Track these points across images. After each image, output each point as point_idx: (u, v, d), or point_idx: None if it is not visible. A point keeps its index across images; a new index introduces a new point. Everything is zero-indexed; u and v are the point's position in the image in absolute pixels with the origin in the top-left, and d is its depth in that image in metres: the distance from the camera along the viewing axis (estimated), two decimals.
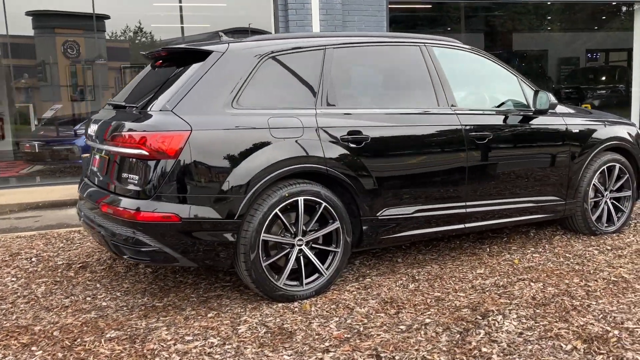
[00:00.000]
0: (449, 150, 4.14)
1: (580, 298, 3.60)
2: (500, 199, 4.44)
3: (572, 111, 4.93)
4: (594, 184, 4.98)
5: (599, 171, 4.98)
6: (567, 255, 4.54)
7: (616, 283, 3.88)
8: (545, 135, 4.66)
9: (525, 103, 4.67)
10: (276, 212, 3.48)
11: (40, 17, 11.24)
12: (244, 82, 3.52)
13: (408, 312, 3.44)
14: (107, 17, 10.88)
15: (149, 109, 3.41)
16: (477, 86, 4.78)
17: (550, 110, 4.72)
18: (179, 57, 3.84)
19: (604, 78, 17.77)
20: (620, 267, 4.23)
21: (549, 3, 15.39)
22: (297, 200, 3.55)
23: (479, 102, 4.68)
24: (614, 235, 5.09)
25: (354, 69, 4.01)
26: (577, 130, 4.81)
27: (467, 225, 4.31)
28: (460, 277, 4.04)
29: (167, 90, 3.45)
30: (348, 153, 3.71)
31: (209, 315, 3.46)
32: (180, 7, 10.33)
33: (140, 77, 4.12)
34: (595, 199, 5.08)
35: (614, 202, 5.19)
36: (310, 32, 4.02)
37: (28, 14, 10.57)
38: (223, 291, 3.89)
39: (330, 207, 3.65)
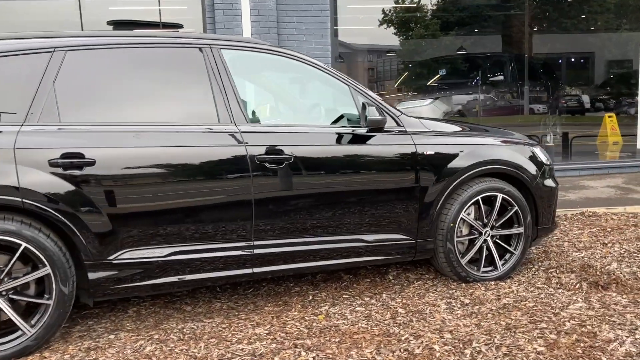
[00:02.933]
0: (225, 178, 3.32)
1: None
2: (309, 237, 3.56)
3: (430, 129, 3.94)
4: (463, 219, 3.98)
5: (471, 203, 3.98)
6: (400, 310, 3.59)
7: (412, 358, 2.94)
8: (380, 159, 3.73)
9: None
10: None
11: (121, 27, 10.83)
12: None
13: None
14: (180, 26, 10.36)
15: None
16: (292, 98, 3.91)
17: (400, 128, 3.81)
18: None
19: None
20: (451, 331, 3.27)
21: None
22: None
23: (292, 118, 3.83)
24: (494, 283, 4.07)
25: (97, 76, 3.26)
26: (432, 153, 3.84)
27: (258, 269, 3.46)
28: (224, 338, 3.21)
29: None
30: (60, 180, 2.98)
31: None
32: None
33: None
34: (470, 237, 4.08)
35: (499, 241, 4.16)
36: (42, 32, 3.27)
37: (109, 23, 10.09)
38: None
39: (35, 249, 2.93)
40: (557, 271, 4.31)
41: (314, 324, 3.39)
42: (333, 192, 3.60)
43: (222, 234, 3.34)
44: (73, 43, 3.20)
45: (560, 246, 5.06)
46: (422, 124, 3.93)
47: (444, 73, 10.99)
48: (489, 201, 4.07)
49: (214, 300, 3.81)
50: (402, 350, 3.04)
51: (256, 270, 3.45)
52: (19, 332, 2.98)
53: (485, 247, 4.11)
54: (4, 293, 2.95)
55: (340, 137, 3.64)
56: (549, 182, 4.30)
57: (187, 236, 3.26)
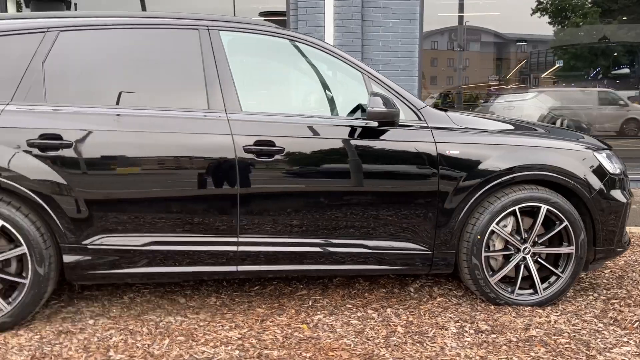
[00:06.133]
0: (211, 168, 3.12)
1: None
2: (300, 238, 3.25)
3: (459, 125, 3.42)
4: (495, 232, 3.43)
5: (506, 213, 3.41)
6: (399, 329, 3.18)
7: None
8: (391, 156, 3.30)
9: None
10: None
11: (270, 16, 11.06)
12: None
13: None
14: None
15: None
16: (300, 86, 3.59)
17: (421, 123, 3.37)
18: None
19: None
20: None
21: None
22: None
23: (296, 107, 3.51)
24: (530, 309, 3.47)
25: (87, 57, 3.19)
26: (457, 152, 3.34)
27: (242, 268, 3.23)
28: (194, 337, 3.04)
29: None
30: (37, 162, 2.98)
31: None
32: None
33: None
34: (506, 253, 3.52)
35: (542, 261, 3.54)
36: (38, 12, 3.27)
37: (261, 14, 10.44)
38: None
39: (12, 228, 2.96)
40: (622, 303, 3.59)
41: (295, 334, 3.09)
42: (330, 191, 3.25)
43: (206, 228, 3.15)
44: (67, 23, 3.17)
45: None
46: (449, 119, 3.43)
47: (561, 64, 9.83)
48: (533, 213, 3.46)
49: (212, 295, 3.65)
50: None
51: (240, 268, 3.23)
52: None
53: (523, 266, 3.50)
54: None
55: (348, 129, 3.28)
56: (615, 195, 3.55)
57: (167, 227, 3.12)
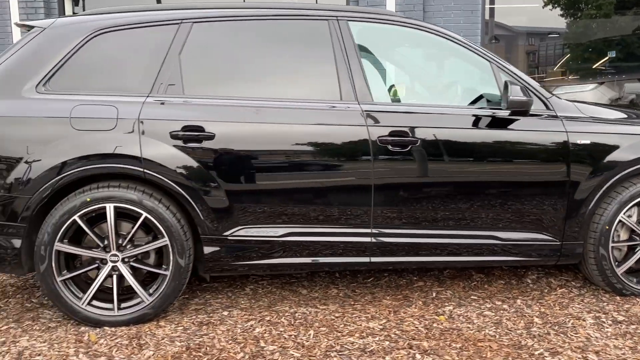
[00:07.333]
0: (345, 159, 3.11)
1: None
2: (434, 229, 3.23)
3: (586, 114, 3.38)
4: (622, 222, 3.39)
5: (634, 203, 3.37)
6: (537, 320, 3.16)
7: None
8: (523, 146, 3.27)
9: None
10: (75, 219, 2.92)
11: None
12: (59, 63, 3.01)
13: None
14: None
15: None
16: (424, 75, 3.55)
17: (549, 112, 3.33)
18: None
19: None
20: (597, 352, 2.81)
21: None
22: (105, 207, 2.93)
23: (423, 96, 3.49)
24: None
25: (220, 49, 3.19)
26: (588, 142, 3.30)
27: (375, 259, 3.22)
28: (336, 328, 3.04)
29: None
30: (180, 153, 2.97)
31: None
32: None
33: None
34: (630, 243, 3.48)
35: None
36: (170, 4, 3.27)
37: None
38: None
39: (155, 220, 2.96)
40: None
41: (434, 325, 3.08)
42: (464, 182, 3.23)
43: (339, 219, 3.14)
44: (199, 15, 3.16)
45: None
46: (577, 109, 3.39)
47: (613, 55, 9.73)
48: None
49: (331, 286, 3.64)
50: None
51: (374, 259, 3.21)
52: (139, 299, 3.05)
53: None
54: (126, 260, 3.03)
55: (477, 119, 3.25)
56: None
57: (302, 218, 3.11)
